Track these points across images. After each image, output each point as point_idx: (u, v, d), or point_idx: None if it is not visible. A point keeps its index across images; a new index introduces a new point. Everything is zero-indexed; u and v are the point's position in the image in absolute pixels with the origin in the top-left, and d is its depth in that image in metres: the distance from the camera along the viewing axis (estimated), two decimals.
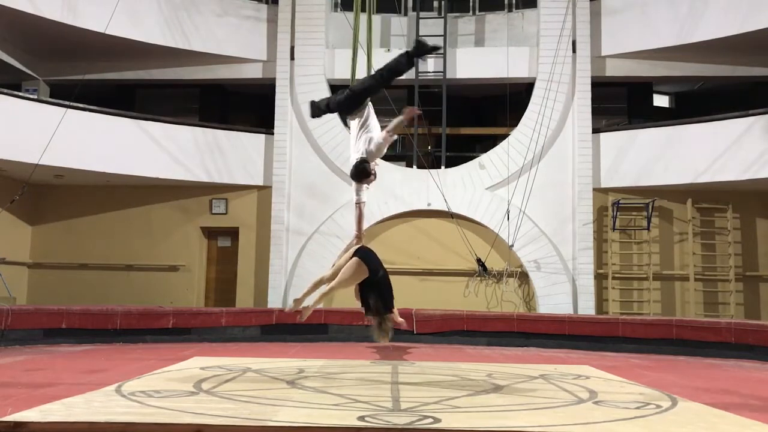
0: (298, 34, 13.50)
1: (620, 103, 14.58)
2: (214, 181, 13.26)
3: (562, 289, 12.60)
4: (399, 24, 14.00)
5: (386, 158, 13.39)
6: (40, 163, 10.73)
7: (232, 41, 13.74)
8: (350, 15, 13.51)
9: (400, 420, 3.87)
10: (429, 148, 13.82)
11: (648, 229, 12.87)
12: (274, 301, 12.78)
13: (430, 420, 3.88)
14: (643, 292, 12.89)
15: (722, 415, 4.35)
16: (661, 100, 15.42)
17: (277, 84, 13.46)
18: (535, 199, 12.61)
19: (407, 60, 5.71)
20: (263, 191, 13.50)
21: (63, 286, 13.17)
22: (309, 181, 13.20)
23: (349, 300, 12.95)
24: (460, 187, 12.95)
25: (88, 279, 13.26)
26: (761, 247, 12.78)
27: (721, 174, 11.98)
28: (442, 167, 13.15)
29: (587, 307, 12.50)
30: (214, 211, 13.58)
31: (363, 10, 12.27)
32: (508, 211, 12.52)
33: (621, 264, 12.97)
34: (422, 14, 13.81)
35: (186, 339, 9.81)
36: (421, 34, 13.51)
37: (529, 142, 12.74)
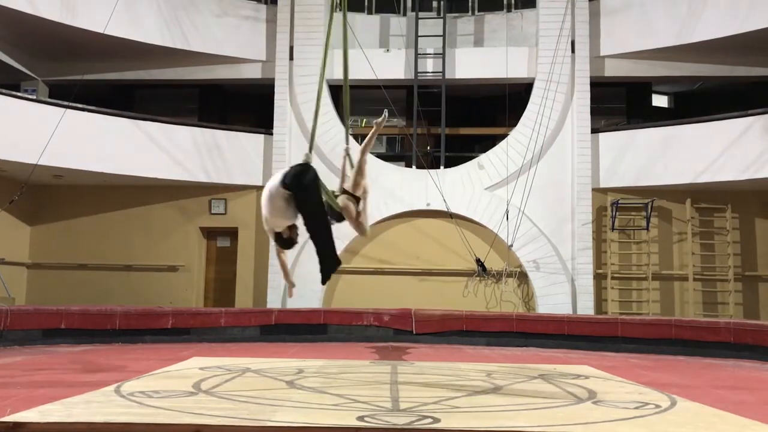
0: (297, 34, 13.49)
1: (619, 103, 14.59)
2: (213, 181, 13.26)
3: (562, 289, 12.60)
4: (398, 24, 14.01)
5: (386, 158, 13.52)
6: (39, 163, 10.72)
7: (231, 41, 13.74)
8: (350, 15, 13.49)
9: (400, 420, 3.87)
10: (428, 148, 13.82)
11: (647, 229, 12.87)
12: (273, 302, 12.77)
13: (430, 420, 3.88)
14: (642, 292, 12.89)
15: (721, 415, 4.35)
16: (660, 100, 15.43)
17: (276, 84, 13.46)
18: (534, 199, 12.61)
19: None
20: (262, 191, 13.47)
21: (62, 286, 13.16)
22: None
23: (348, 300, 12.99)
24: (459, 187, 12.95)
25: (87, 279, 13.25)
26: (760, 247, 12.78)
27: (720, 174, 11.99)
28: (442, 167, 13.15)
29: (586, 307, 12.50)
30: (213, 212, 13.57)
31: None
32: (507, 211, 12.52)
33: (620, 264, 12.97)
34: (421, 14, 13.81)
35: (185, 339, 9.80)
36: (420, 34, 13.52)
37: (528, 142, 12.74)
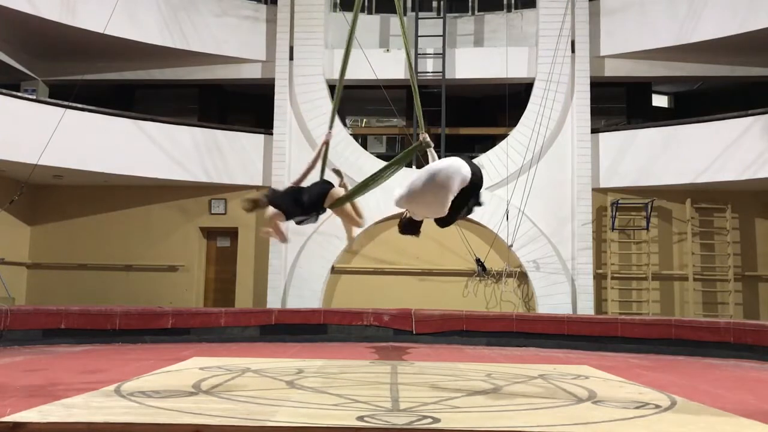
0: (297, 34, 13.49)
1: (619, 103, 14.59)
2: (213, 181, 13.25)
3: (562, 289, 12.60)
4: (398, 24, 13.98)
5: (386, 158, 13.49)
6: (38, 163, 10.73)
7: (231, 41, 13.74)
8: (350, 15, 13.50)
9: (399, 420, 3.87)
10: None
11: (647, 229, 12.87)
12: (273, 302, 12.77)
13: (429, 420, 3.88)
14: (642, 292, 12.89)
15: (721, 414, 4.35)
16: (660, 100, 15.43)
17: (276, 84, 13.46)
18: (534, 199, 12.61)
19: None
20: (262, 191, 13.47)
21: (62, 286, 13.17)
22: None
23: (348, 300, 12.99)
24: None
25: (87, 279, 13.25)
26: (760, 247, 12.78)
27: (720, 174, 11.99)
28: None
29: (586, 307, 12.50)
30: (213, 212, 13.57)
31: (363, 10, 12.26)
32: (507, 211, 12.52)
33: (620, 264, 12.97)
34: (421, 14, 13.81)
35: (185, 339, 9.80)
36: (420, 34, 13.52)
37: (528, 142, 12.74)
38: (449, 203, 4.53)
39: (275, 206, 5.17)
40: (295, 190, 5.28)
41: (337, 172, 5.58)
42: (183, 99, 14.85)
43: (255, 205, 5.31)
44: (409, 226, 5.02)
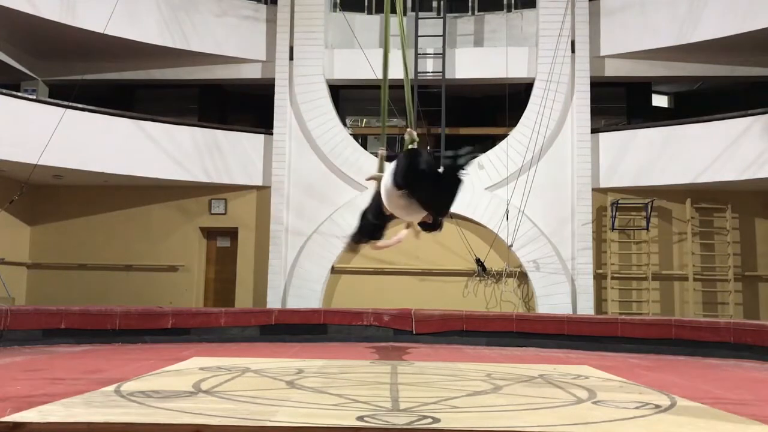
0: (297, 34, 13.50)
1: (619, 103, 14.60)
2: (213, 181, 13.26)
3: (562, 289, 12.60)
4: (398, 24, 13.98)
5: (386, 158, 13.51)
6: (39, 163, 10.73)
7: (231, 41, 13.74)
8: (350, 15, 13.55)
9: (399, 420, 3.87)
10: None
11: (647, 229, 12.87)
12: (273, 302, 12.78)
13: (430, 420, 3.88)
14: (642, 292, 12.89)
15: (721, 415, 4.35)
16: (660, 100, 15.43)
17: (276, 84, 13.46)
18: (534, 199, 12.61)
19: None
20: (262, 191, 13.50)
21: (62, 286, 13.17)
22: (308, 181, 13.21)
23: (348, 300, 12.97)
24: None
25: (87, 279, 13.25)
26: (760, 247, 12.79)
27: (720, 174, 11.99)
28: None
29: (586, 307, 12.50)
30: (213, 212, 13.58)
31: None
32: (507, 211, 12.52)
33: (620, 264, 12.97)
34: (421, 14, 13.80)
35: (185, 339, 9.80)
36: (420, 34, 13.52)
37: (528, 142, 12.74)
38: (416, 204, 4.69)
39: (365, 236, 5.33)
40: (362, 215, 5.40)
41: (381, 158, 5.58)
42: (183, 99, 14.86)
43: (356, 246, 5.51)
44: (425, 225, 5.17)
